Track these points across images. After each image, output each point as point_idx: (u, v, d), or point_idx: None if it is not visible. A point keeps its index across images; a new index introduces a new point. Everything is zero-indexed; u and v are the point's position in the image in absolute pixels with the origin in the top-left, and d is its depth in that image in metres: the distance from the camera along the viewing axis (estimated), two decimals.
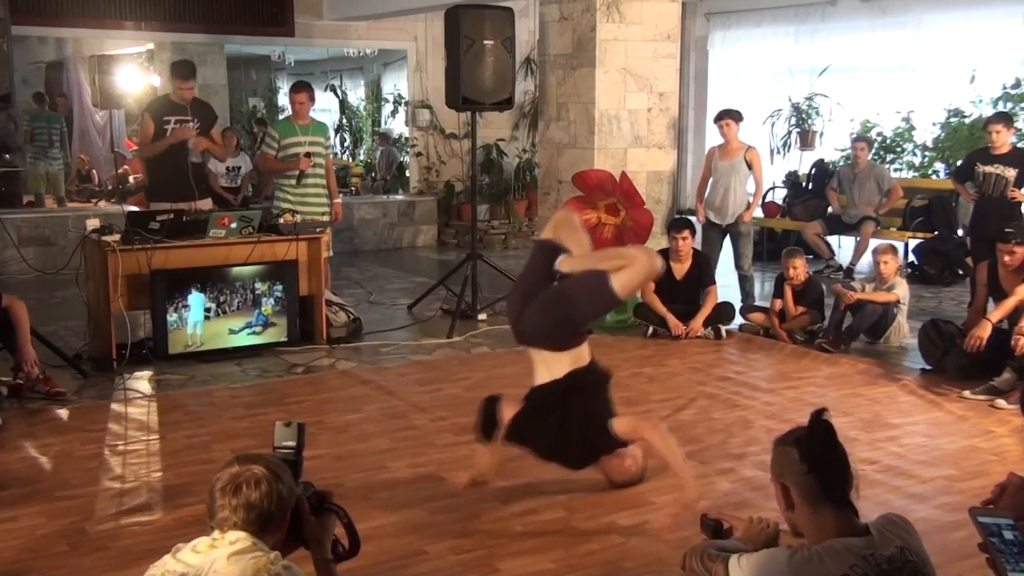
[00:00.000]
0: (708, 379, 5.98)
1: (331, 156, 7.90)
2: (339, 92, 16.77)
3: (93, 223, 6.30)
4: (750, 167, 7.68)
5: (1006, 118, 7.59)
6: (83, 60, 14.05)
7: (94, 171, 13.94)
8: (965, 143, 9.78)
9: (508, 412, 4.04)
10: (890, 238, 9.62)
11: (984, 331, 5.70)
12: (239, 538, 2.13)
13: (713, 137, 8.68)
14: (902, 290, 6.74)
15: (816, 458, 2.33)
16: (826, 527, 2.31)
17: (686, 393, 5.67)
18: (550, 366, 4.03)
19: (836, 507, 2.33)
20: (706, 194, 7.83)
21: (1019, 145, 8.28)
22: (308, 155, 7.13)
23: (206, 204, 7.12)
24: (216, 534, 2.16)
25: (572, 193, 7.38)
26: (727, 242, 7.87)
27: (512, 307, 4.21)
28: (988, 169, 7.35)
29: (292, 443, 2.40)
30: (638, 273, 3.96)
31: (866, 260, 8.92)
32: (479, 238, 8.78)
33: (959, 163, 8.42)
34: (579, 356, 4.05)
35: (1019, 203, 7.41)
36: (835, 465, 2.35)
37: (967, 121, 10.15)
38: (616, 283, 3.89)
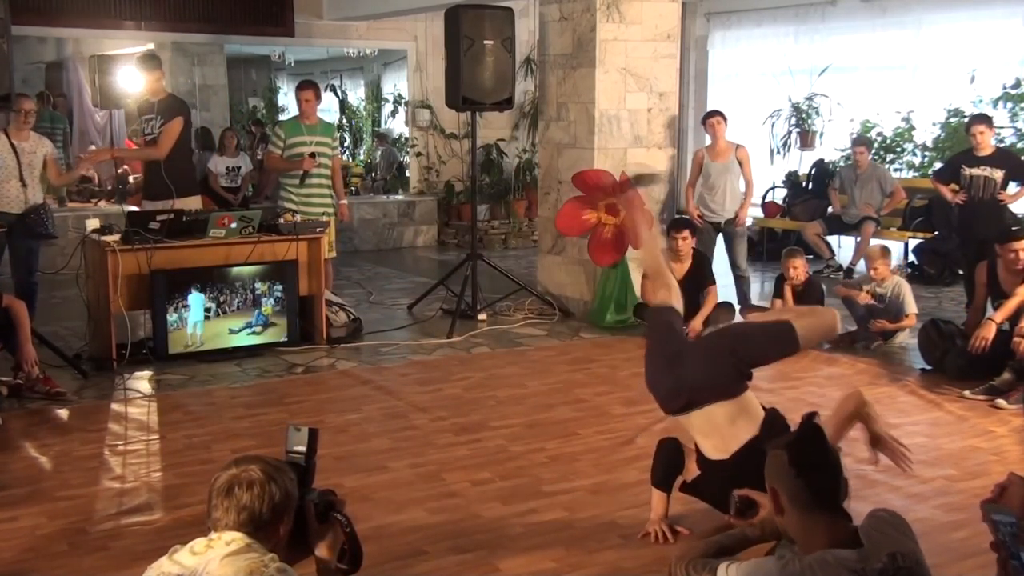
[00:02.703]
0: None
1: (339, 156, 7.91)
2: (339, 92, 16.75)
3: (93, 223, 6.31)
4: (741, 165, 7.71)
5: (987, 119, 7.62)
6: (83, 60, 14.03)
7: (94, 171, 13.91)
8: (965, 143, 9.77)
9: (690, 466, 3.72)
10: (890, 238, 9.62)
11: (988, 332, 5.71)
12: (234, 539, 2.13)
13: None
14: (909, 298, 6.69)
15: (805, 462, 2.31)
16: (817, 534, 2.29)
17: None
18: (723, 434, 3.51)
19: (827, 513, 2.30)
20: (697, 195, 7.84)
21: (1001, 146, 8.30)
22: (312, 155, 7.13)
23: (195, 202, 7.06)
24: (213, 535, 2.16)
25: (572, 193, 7.38)
26: (720, 241, 7.88)
27: (662, 380, 3.72)
28: (975, 171, 7.36)
29: (303, 448, 2.39)
30: (821, 327, 3.69)
31: None
32: (479, 238, 8.78)
33: (940, 165, 8.43)
34: (751, 412, 3.53)
35: (1006, 204, 7.43)
36: (824, 469, 2.33)
37: (967, 121, 10.14)
38: (800, 330, 3.52)
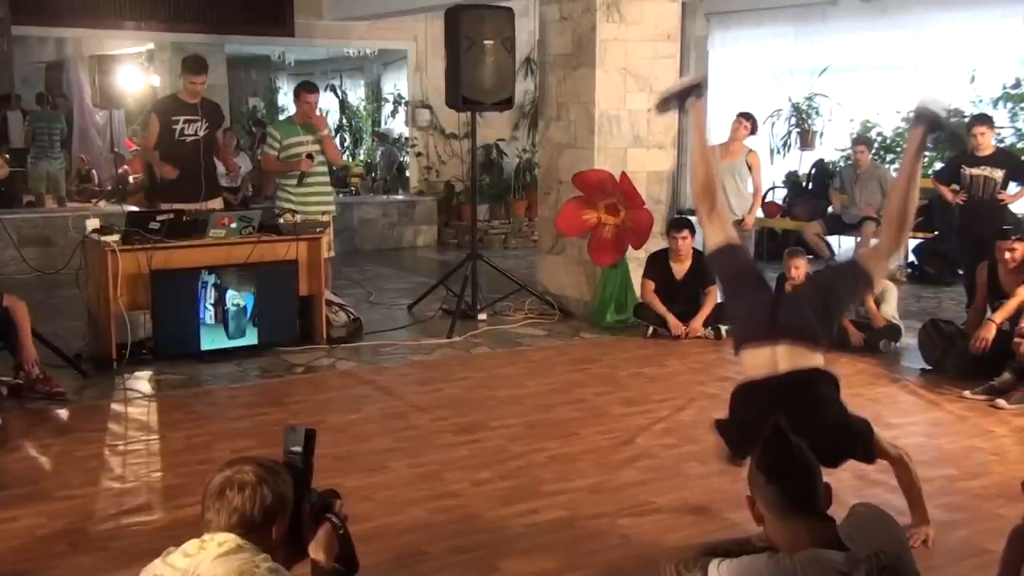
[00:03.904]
0: (708, 379, 5.97)
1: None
2: (339, 92, 16.76)
3: (93, 223, 6.30)
4: (750, 169, 7.71)
5: (989, 120, 7.63)
6: (83, 60, 14.05)
7: (94, 171, 13.93)
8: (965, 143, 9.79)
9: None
10: None
11: (989, 332, 5.71)
12: (227, 540, 2.13)
13: (713, 137, 8.67)
14: (889, 305, 6.66)
15: (773, 468, 2.30)
16: (799, 538, 2.27)
17: (686, 393, 5.67)
18: (776, 363, 3.40)
19: (805, 517, 2.28)
20: None
21: (1001, 146, 8.31)
22: (310, 156, 7.12)
23: (217, 204, 7.12)
24: (206, 536, 2.16)
25: (572, 193, 7.38)
26: None
27: (754, 316, 3.58)
28: (975, 171, 7.37)
29: (299, 448, 2.39)
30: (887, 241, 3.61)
31: None
32: (479, 238, 8.78)
33: (941, 165, 8.42)
34: (816, 358, 3.53)
35: (1006, 204, 7.44)
36: (794, 474, 2.30)
37: (967, 121, 10.14)
38: (862, 260, 3.60)
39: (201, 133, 6.93)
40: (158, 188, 7.26)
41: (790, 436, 2.34)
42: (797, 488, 2.28)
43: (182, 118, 6.88)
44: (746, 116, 7.79)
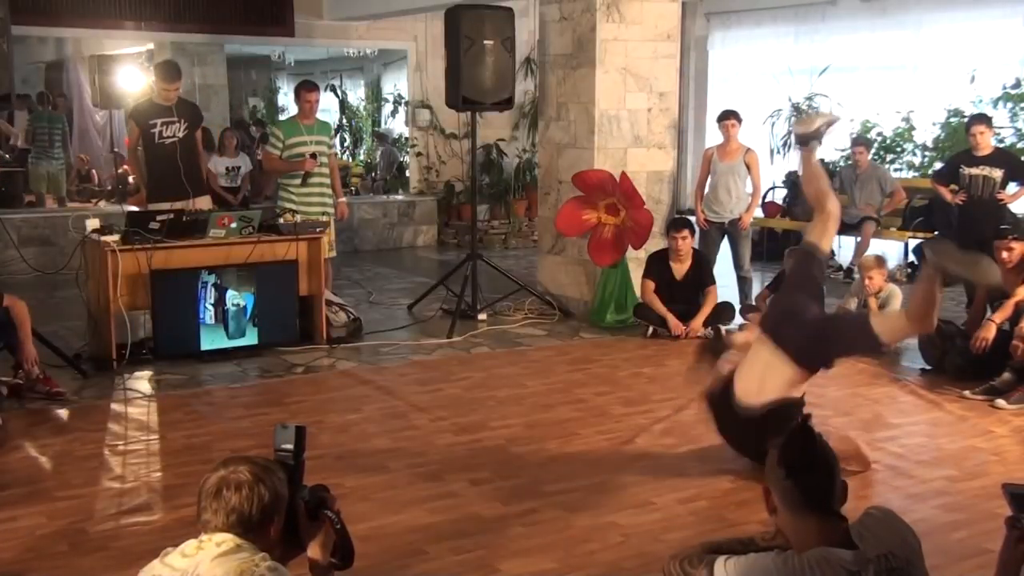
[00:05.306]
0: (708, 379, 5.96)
1: (336, 155, 7.87)
2: (339, 92, 16.76)
3: (93, 223, 6.30)
4: (749, 169, 7.70)
5: (987, 119, 7.63)
6: (83, 60, 14.04)
7: (94, 171, 13.93)
8: (965, 143, 9.78)
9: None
10: (890, 238, 9.63)
11: (989, 332, 5.71)
12: (225, 539, 2.13)
13: (713, 137, 8.70)
14: (896, 303, 6.66)
15: (793, 464, 2.30)
16: (809, 534, 2.27)
17: (686, 393, 5.67)
18: (765, 380, 4.09)
19: (817, 515, 2.28)
20: (705, 194, 7.84)
21: (1000, 146, 8.31)
22: (313, 156, 7.12)
23: (205, 202, 7.12)
24: (203, 536, 2.16)
25: (572, 193, 7.38)
26: (726, 242, 7.88)
27: (785, 310, 4.27)
28: (974, 171, 7.37)
29: (290, 446, 2.39)
30: (907, 324, 4.02)
31: None
32: (479, 238, 8.78)
33: (940, 166, 8.41)
34: (799, 385, 4.15)
35: (1005, 204, 7.44)
36: (814, 471, 2.30)
37: (966, 121, 10.15)
38: (879, 328, 3.99)
39: (180, 134, 6.92)
40: (148, 189, 7.28)
41: (815, 433, 2.35)
42: (815, 486, 2.29)
43: (159, 121, 6.89)
44: (728, 115, 7.77)
